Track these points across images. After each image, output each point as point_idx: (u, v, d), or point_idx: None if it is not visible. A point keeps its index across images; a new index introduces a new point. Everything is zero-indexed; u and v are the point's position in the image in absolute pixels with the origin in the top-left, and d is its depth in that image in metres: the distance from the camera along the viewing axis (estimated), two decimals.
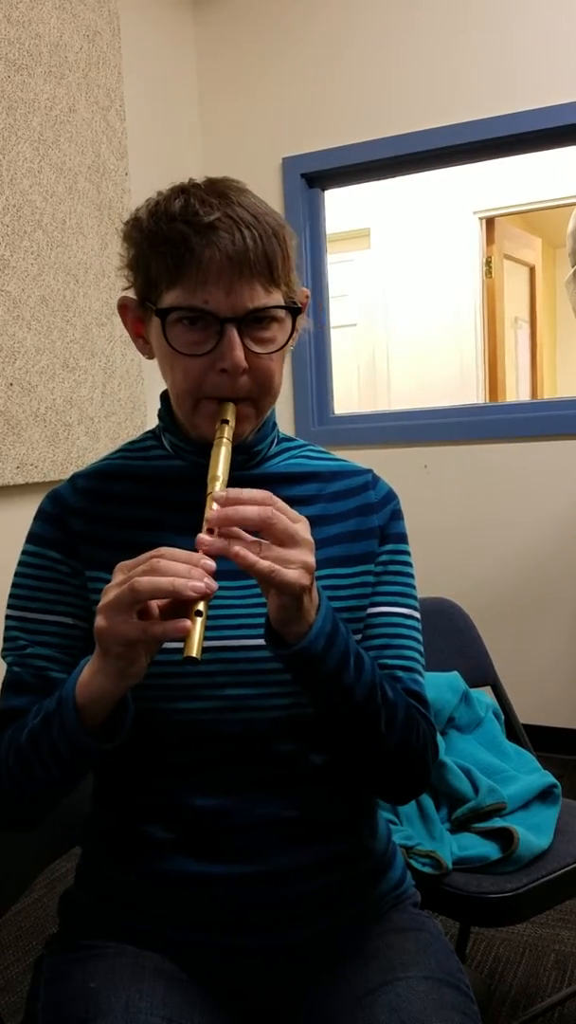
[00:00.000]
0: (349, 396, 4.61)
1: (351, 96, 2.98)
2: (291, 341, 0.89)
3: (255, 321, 0.84)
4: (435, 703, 1.51)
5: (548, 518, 2.84)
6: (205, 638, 0.69)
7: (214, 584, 0.70)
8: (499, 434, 2.87)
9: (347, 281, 4.66)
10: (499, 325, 4.54)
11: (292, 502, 0.91)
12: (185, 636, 0.68)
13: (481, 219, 4.47)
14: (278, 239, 0.84)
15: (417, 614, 0.97)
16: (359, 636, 0.93)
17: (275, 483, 0.94)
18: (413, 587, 0.98)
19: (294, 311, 0.87)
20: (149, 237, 0.84)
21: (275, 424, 0.98)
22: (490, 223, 4.48)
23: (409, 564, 0.98)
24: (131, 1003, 0.78)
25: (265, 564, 0.71)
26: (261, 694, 0.86)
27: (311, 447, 1.01)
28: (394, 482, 1.02)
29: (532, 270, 5.00)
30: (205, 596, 0.69)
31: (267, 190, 3.12)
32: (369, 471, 1.00)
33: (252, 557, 0.71)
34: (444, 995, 0.81)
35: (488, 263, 4.49)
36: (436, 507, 2.94)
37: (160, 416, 0.96)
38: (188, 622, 0.68)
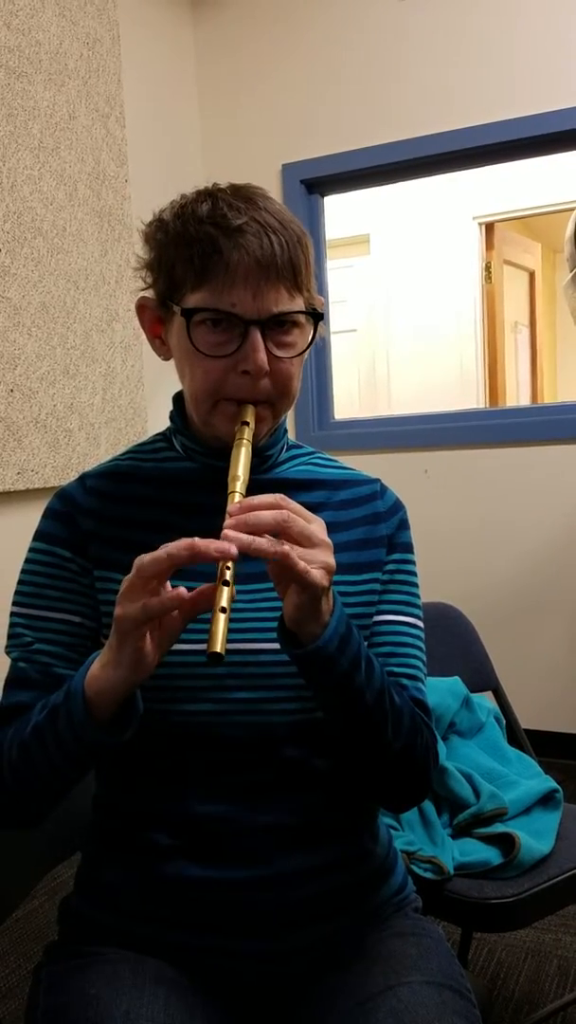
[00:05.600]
0: (349, 401, 4.61)
1: (350, 102, 2.99)
2: (309, 347, 0.90)
3: (277, 325, 0.85)
4: (436, 708, 1.51)
5: (548, 522, 2.84)
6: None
7: (234, 549, 0.69)
8: (499, 439, 2.87)
9: (347, 287, 4.67)
10: (499, 330, 4.55)
11: None
12: (179, 603, 0.70)
13: (480, 224, 4.48)
14: (302, 246, 0.85)
15: (421, 623, 0.97)
16: (366, 644, 0.93)
17: (285, 488, 0.93)
18: (418, 596, 0.98)
19: (316, 316, 0.88)
20: (175, 239, 0.84)
21: (286, 430, 0.99)
22: (489, 228, 4.50)
23: (414, 574, 0.99)
24: (131, 1010, 0.78)
25: (302, 563, 0.71)
26: (269, 698, 0.86)
27: (319, 455, 1.02)
28: (395, 487, 1.03)
29: (532, 275, 5.02)
30: (228, 557, 0.69)
31: None
32: (377, 480, 1.01)
33: (294, 554, 0.71)
34: (446, 999, 0.81)
35: (488, 268, 4.50)
36: (437, 512, 2.94)
37: (172, 418, 0.97)
38: (183, 589, 0.70)
